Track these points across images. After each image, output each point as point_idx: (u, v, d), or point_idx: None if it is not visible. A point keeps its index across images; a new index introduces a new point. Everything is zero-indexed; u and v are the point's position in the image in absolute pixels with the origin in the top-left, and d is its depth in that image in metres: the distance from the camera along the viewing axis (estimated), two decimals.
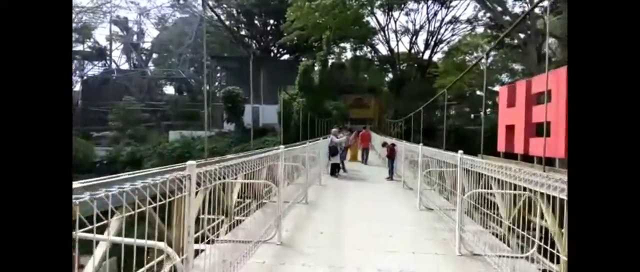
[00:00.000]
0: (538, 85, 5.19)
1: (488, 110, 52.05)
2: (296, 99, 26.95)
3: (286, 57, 48.86)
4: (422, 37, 46.03)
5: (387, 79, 42.57)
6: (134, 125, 38.71)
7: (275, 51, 50.07)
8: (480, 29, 41.29)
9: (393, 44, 40.16)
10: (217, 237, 4.41)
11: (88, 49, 49.17)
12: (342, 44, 41.15)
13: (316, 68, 31.60)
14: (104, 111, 40.57)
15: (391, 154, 10.62)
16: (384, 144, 11.55)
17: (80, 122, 41.92)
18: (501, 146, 6.14)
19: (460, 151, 4.40)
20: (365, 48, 40.83)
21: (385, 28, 39.24)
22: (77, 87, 48.24)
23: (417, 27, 39.77)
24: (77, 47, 47.29)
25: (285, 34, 37.79)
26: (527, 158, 5.44)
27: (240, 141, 32.02)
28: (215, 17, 45.88)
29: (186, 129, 37.12)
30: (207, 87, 50.21)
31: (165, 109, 42.75)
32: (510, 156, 6.00)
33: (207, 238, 4.10)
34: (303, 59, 31.67)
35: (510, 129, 5.89)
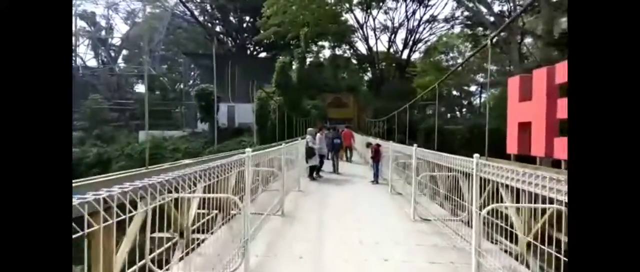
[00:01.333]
0: (564, 73, 4.36)
1: (464, 110, 52.74)
2: (273, 97, 25.82)
3: (263, 55, 47.59)
4: (401, 35, 46.03)
5: (366, 78, 42.07)
6: (101, 125, 36.55)
7: (252, 49, 48.74)
8: (457, 28, 41.47)
9: (372, 42, 39.79)
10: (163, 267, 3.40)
11: None
12: (320, 43, 40.42)
13: (294, 66, 30.61)
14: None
15: (376, 156, 9.79)
16: (369, 145, 10.70)
17: None
18: (513, 148, 5.36)
19: (476, 155, 3.57)
20: (343, 46, 40.15)
21: (364, 26, 38.72)
22: None
23: (396, 25, 39.49)
24: None
25: (261, 31, 36.62)
26: (554, 163, 4.62)
27: (214, 141, 30.63)
28: (188, 13, 44.16)
29: (157, 128, 35.34)
30: (181, 85, 48.43)
31: (135, 108, 40.63)
32: (522, 158, 5.23)
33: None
34: (280, 57, 30.55)
35: (524, 127, 5.11)
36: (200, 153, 28.22)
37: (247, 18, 46.73)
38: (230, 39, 49.28)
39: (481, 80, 48.15)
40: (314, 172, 10.63)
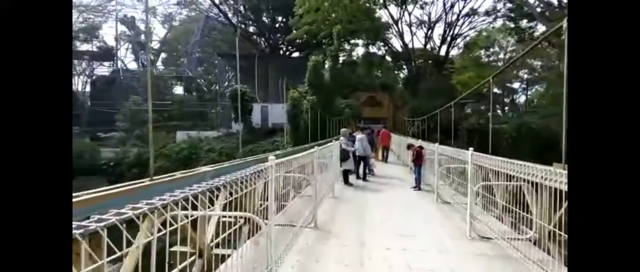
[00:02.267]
0: None
1: (505, 108, 49.81)
2: (306, 97, 25.32)
3: (296, 54, 47.37)
4: (438, 31, 44.07)
5: (401, 75, 40.69)
6: (141, 126, 37.70)
7: (284, 49, 48.66)
8: (499, 22, 39.16)
9: (407, 38, 38.30)
10: None
11: (95, 49, 48.50)
12: (353, 41, 39.54)
13: (326, 65, 29.97)
14: (111, 112, 39.73)
15: (418, 159, 8.91)
16: (410, 147, 9.80)
17: (88, 123, 41.32)
18: None
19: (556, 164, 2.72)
20: (378, 43, 39.01)
21: (399, 21, 37.38)
22: (86, 88, 47.71)
23: (433, 19, 37.81)
24: (85, 47, 46.69)
25: (294, 30, 36.29)
26: None
27: (248, 141, 30.63)
28: (222, 14, 44.78)
29: (193, 129, 36.01)
30: (217, 87, 49.24)
31: (173, 109, 41.70)
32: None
33: None
34: (312, 56, 30.01)
35: None
36: (234, 153, 28.33)
37: (280, 18, 46.64)
38: (263, 39, 49.47)
39: (525, 76, 45.32)
40: (361, 175, 10.03)
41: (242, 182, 2.99)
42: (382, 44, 39.45)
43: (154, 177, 2.98)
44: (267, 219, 4.94)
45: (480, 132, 24.46)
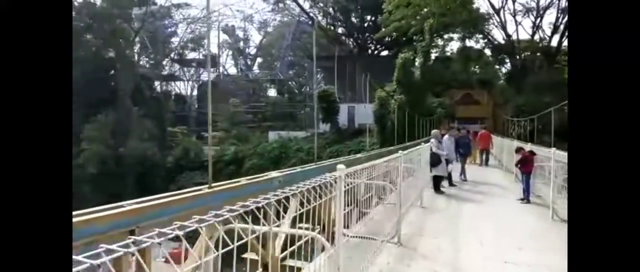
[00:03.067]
0: None
1: None
2: (393, 96, 24.22)
3: (385, 53, 46.20)
4: (549, 18, 38.70)
5: (503, 70, 36.61)
6: (238, 126, 40.60)
7: (373, 48, 47.83)
8: None
9: (511, 29, 34.28)
10: None
11: (201, 57, 53.77)
12: (447, 35, 36.88)
13: (417, 62, 28.32)
14: (214, 113, 43.58)
15: (526, 166, 7.50)
16: (519, 150, 8.30)
17: (195, 124, 46.07)
18: None
19: None
20: (476, 36, 35.71)
21: (501, 10, 33.65)
22: (194, 92, 53.27)
23: (543, 6, 33.17)
24: (192, 55, 52.10)
25: (382, 28, 35.26)
26: None
27: (334, 142, 30.69)
28: (312, 17, 45.84)
29: (284, 129, 37.50)
30: (307, 88, 50.73)
31: (266, 111, 44.07)
32: None
33: None
34: (402, 53, 28.64)
35: None
36: (320, 153, 28.57)
37: (368, 17, 45.96)
38: (351, 39, 49.35)
39: None
40: (448, 182, 9.01)
41: (310, 192, 2.53)
42: (480, 36, 36.02)
43: (213, 184, 2.70)
44: (346, 227, 4.43)
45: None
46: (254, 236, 2.30)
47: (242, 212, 2.05)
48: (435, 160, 8.43)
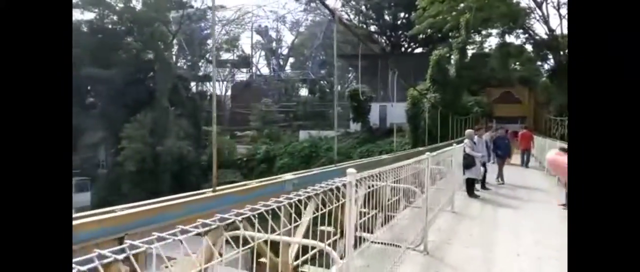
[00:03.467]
0: None
1: None
2: (426, 94, 23.43)
3: (419, 50, 45.05)
4: None
5: (546, 67, 34.53)
6: (270, 125, 41.05)
7: (406, 46, 46.78)
8: None
9: (554, 23, 32.26)
10: None
11: (236, 58, 54.88)
12: (484, 31, 35.30)
13: (452, 59, 27.26)
14: (246, 113, 44.46)
15: None
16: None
17: (228, 123, 47.11)
18: None
19: None
20: (516, 31, 33.91)
21: (543, 3, 31.70)
22: (227, 92, 54.53)
23: None
24: (227, 56, 53.28)
25: (416, 25, 34.31)
26: None
27: (365, 141, 30.24)
28: (345, 16, 45.50)
29: (314, 128, 37.49)
30: (338, 88, 50.50)
31: (297, 110, 44.28)
32: None
33: None
34: (436, 50, 27.67)
35: None
36: (350, 153, 28.22)
37: (402, 14, 44.99)
38: (384, 37, 48.53)
39: None
40: (480, 185, 8.47)
41: (326, 195, 2.31)
42: (521, 31, 34.16)
43: (217, 188, 2.53)
44: (368, 232, 4.18)
45: None
46: (258, 241, 2.12)
47: (251, 216, 1.89)
48: (468, 162, 7.93)
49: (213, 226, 1.68)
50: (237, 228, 2.20)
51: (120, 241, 1.75)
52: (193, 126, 36.12)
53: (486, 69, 29.91)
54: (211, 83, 53.86)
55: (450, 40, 31.69)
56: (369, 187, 4.03)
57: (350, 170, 2.24)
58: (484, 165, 8.85)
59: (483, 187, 8.82)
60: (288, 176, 3.36)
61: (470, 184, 8.02)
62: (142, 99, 34.44)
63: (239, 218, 1.81)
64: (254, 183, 3.13)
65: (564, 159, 3.42)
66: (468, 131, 8.70)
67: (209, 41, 50.51)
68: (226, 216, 1.77)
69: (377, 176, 3.95)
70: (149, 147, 31.46)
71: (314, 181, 3.13)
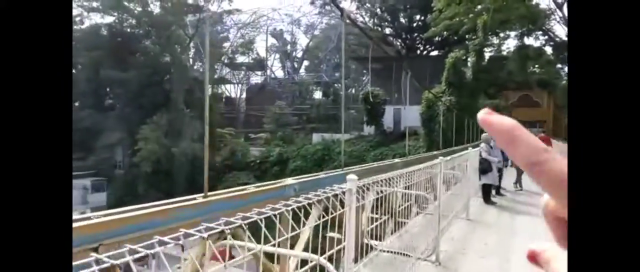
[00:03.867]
0: None
1: None
2: (442, 97, 22.99)
3: (434, 53, 44.45)
4: None
5: (566, 70, 33.50)
6: (283, 128, 41.08)
7: (422, 48, 46.20)
8: None
9: None
10: None
11: (251, 61, 55.25)
12: (502, 33, 34.53)
13: (469, 62, 26.72)
14: (260, 115, 44.64)
15: None
16: None
17: (242, 125, 47.39)
18: None
19: None
20: (535, 33, 33.06)
21: (564, 4, 30.80)
22: (242, 95, 54.93)
23: None
24: (242, 59, 53.68)
25: (432, 28, 33.84)
26: None
27: (379, 145, 29.87)
28: (360, 19, 45.29)
29: (328, 131, 37.30)
30: (353, 91, 50.26)
31: (311, 113, 44.21)
32: None
33: None
34: (452, 53, 27.18)
35: None
36: (364, 156, 27.91)
37: (418, 16, 44.51)
38: (399, 40, 48.09)
39: None
40: (491, 193, 8.09)
41: (329, 201, 2.15)
42: (540, 33, 33.30)
43: (209, 193, 2.38)
44: (378, 239, 3.98)
45: None
46: (250, 253, 1.96)
47: (242, 225, 1.74)
48: (485, 167, 7.64)
49: (195, 237, 1.53)
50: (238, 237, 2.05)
51: (96, 251, 1.61)
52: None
53: (504, 72, 29.21)
54: (226, 86, 54.27)
55: (466, 42, 31.12)
56: (378, 193, 3.84)
57: (351, 176, 2.06)
58: (499, 170, 8.51)
59: (498, 193, 8.48)
60: (289, 181, 3.20)
61: (486, 190, 7.71)
62: (158, 101, 34.96)
63: (227, 228, 1.66)
64: (251, 188, 2.98)
65: None
66: (484, 135, 8.39)
67: (226, 44, 51.04)
68: (212, 225, 1.62)
69: (386, 182, 3.76)
70: (163, 148, 31.85)
71: (317, 185, 2.95)
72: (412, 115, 29.28)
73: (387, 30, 48.28)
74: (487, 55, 30.74)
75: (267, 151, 35.51)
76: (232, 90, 55.70)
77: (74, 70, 42.31)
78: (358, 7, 46.57)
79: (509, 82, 28.72)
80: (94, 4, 36.86)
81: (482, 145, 7.92)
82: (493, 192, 8.19)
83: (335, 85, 51.58)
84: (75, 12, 38.48)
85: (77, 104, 42.29)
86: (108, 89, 39.82)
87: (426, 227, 4.59)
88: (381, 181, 3.65)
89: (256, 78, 56.06)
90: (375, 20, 47.61)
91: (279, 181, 3.33)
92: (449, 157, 5.11)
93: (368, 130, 33.34)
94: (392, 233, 4.32)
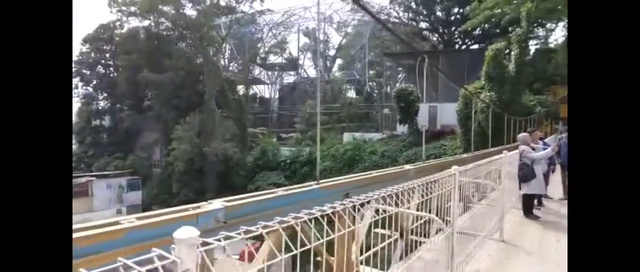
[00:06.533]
0: None
1: None
2: (481, 93, 21.24)
3: (474, 47, 42.01)
4: None
5: None
6: (314, 127, 40.48)
7: (460, 42, 43.89)
8: None
9: None
10: None
11: (284, 61, 55.21)
12: (548, 24, 31.79)
13: (512, 55, 24.58)
14: (292, 115, 44.39)
15: None
16: None
17: (275, 125, 47.44)
18: None
19: None
20: None
21: None
22: (275, 95, 55.05)
23: None
24: (276, 60, 53.79)
25: (471, 19, 31.77)
26: None
27: (412, 144, 28.40)
28: (394, 13, 43.78)
29: (359, 130, 36.24)
30: (386, 88, 48.72)
31: (341, 112, 43.30)
32: None
33: None
34: (492, 46, 25.15)
35: None
36: (397, 156, 26.62)
37: (455, 9, 42.27)
38: (436, 34, 46.04)
39: None
40: (534, 204, 6.83)
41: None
42: None
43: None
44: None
45: None
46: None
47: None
48: (525, 173, 6.41)
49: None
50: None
51: None
52: (239, 128, 36.58)
53: (551, 66, 26.76)
54: (258, 86, 54.61)
55: (509, 34, 28.82)
56: (379, 213, 2.95)
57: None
58: (545, 177, 7.22)
59: (540, 203, 7.20)
60: (281, 192, 2.42)
61: (527, 202, 6.48)
62: (192, 101, 35.63)
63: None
64: (280, 191, 2.29)
65: None
66: (522, 135, 7.05)
67: (259, 45, 51.30)
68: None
69: (383, 200, 2.85)
70: (196, 148, 32.30)
71: (299, 199, 2.13)
72: (449, 113, 27.56)
73: (423, 25, 46.32)
74: (532, 48, 28.33)
75: (297, 150, 35.04)
76: (265, 91, 55.93)
77: (114, 73, 44.32)
78: (391, 0, 45.01)
79: (556, 76, 26.26)
80: (132, 9, 38.17)
81: (522, 147, 6.65)
82: (535, 202, 6.94)
83: (370, 83, 50.26)
84: (114, 17, 40.18)
85: (118, 106, 44.25)
86: (146, 91, 41.21)
87: (441, 253, 3.62)
88: (379, 198, 2.75)
89: (289, 78, 55.96)
90: (410, 15, 45.81)
91: (273, 191, 2.58)
92: (471, 165, 4.04)
93: (401, 129, 31.92)
94: (400, 259, 3.48)
